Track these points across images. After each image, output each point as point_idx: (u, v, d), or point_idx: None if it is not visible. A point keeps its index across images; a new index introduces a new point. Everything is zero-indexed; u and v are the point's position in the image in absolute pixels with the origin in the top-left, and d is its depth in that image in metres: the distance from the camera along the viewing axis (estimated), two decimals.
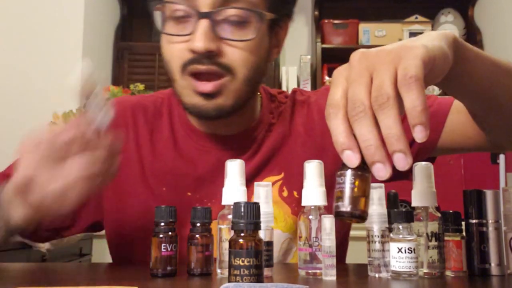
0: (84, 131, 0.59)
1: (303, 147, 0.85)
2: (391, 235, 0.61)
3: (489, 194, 0.64)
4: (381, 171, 0.44)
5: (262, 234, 0.58)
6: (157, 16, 0.77)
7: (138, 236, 0.80)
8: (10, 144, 0.81)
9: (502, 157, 2.17)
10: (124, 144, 0.62)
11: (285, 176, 0.83)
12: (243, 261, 0.51)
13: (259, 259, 0.52)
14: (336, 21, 2.91)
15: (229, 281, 0.52)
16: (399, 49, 0.48)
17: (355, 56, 0.50)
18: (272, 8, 0.77)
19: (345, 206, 0.46)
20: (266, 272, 0.60)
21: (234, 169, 0.65)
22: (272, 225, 0.64)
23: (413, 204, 0.64)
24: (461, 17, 2.94)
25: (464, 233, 0.65)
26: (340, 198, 0.46)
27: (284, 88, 2.79)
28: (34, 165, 0.59)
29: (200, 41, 0.71)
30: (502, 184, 2.14)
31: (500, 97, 0.67)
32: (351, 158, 0.46)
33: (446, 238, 0.64)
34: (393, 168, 0.45)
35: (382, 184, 0.63)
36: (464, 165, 2.26)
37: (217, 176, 0.79)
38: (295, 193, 0.82)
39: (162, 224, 0.62)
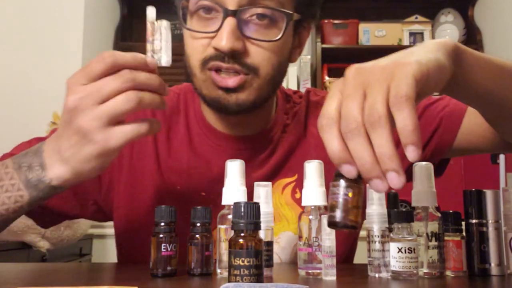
0: (141, 61, 0.59)
1: (316, 149, 0.84)
2: (391, 235, 0.61)
3: (489, 194, 0.64)
4: (379, 185, 0.45)
5: (262, 234, 0.58)
6: (181, 11, 0.77)
7: (148, 232, 0.80)
8: (10, 144, 0.81)
9: (502, 157, 2.17)
10: (142, 137, 0.61)
11: (299, 178, 0.83)
12: (243, 261, 0.51)
13: (259, 259, 0.52)
14: (336, 21, 2.90)
15: (229, 281, 0.52)
16: (392, 66, 0.49)
17: (350, 71, 0.50)
18: (299, 9, 0.76)
19: (339, 217, 0.48)
20: (266, 272, 0.60)
21: (234, 169, 0.65)
22: (284, 227, 0.64)
23: (413, 204, 0.64)
24: (461, 17, 2.94)
25: (464, 233, 0.65)
26: (334, 208, 0.48)
27: None
28: (79, 94, 0.58)
29: (225, 40, 0.70)
30: (502, 184, 2.14)
31: (508, 99, 0.65)
32: (350, 171, 0.47)
33: (446, 238, 0.64)
34: None
35: None
36: (464, 165, 2.26)
37: None
38: None
39: (162, 224, 0.63)
